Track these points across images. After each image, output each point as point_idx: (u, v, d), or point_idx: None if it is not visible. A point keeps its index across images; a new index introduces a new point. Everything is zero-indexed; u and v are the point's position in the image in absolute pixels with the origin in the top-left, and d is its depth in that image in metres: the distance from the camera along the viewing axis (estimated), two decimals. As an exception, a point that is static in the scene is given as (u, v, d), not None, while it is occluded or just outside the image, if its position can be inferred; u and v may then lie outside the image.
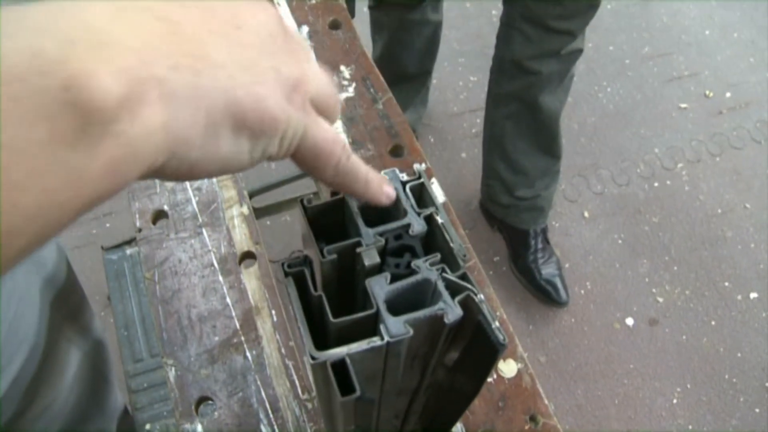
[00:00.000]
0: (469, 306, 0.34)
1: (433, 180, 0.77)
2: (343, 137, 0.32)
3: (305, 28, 0.92)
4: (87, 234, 1.88)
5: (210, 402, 0.64)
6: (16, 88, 0.20)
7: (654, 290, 1.86)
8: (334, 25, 0.92)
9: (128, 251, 1.35)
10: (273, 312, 0.69)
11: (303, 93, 0.31)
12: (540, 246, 1.81)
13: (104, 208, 1.94)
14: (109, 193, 0.24)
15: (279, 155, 0.31)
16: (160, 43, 0.25)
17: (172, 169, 0.27)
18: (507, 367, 0.67)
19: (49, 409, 0.74)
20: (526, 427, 0.63)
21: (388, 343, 0.33)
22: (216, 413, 0.64)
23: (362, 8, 1.66)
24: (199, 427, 0.63)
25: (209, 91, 0.26)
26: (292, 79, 0.30)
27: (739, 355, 1.76)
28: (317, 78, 0.32)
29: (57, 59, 0.21)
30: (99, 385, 0.90)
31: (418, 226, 0.36)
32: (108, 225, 1.91)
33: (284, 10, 0.94)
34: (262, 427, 0.63)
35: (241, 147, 0.28)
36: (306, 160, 0.32)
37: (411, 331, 0.33)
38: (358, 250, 0.35)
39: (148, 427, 1.18)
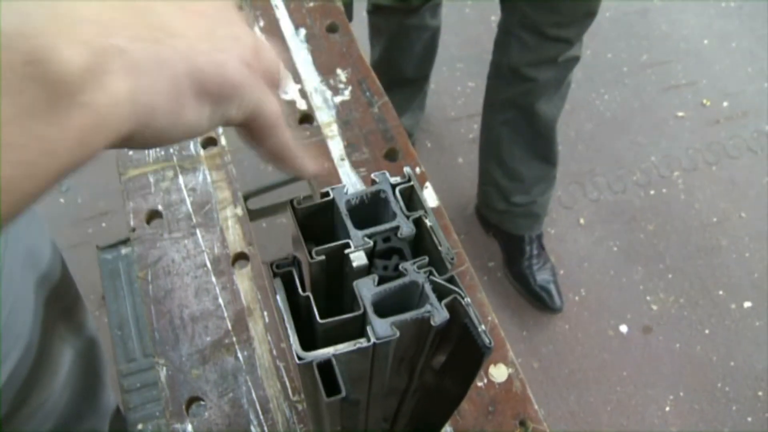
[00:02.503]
0: (455, 309, 0.35)
1: (427, 184, 0.77)
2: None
3: (302, 31, 0.92)
4: (83, 233, 1.88)
5: (201, 402, 0.64)
6: None
7: (648, 298, 1.87)
8: (332, 29, 0.93)
9: (123, 251, 1.35)
10: (265, 313, 0.69)
11: (258, 61, 0.32)
12: (535, 252, 1.81)
13: (100, 207, 1.94)
14: (79, 162, 0.25)
15: (235, 121, 0.32)
16: (118, 15, 0.25)
17: (140, 137, 0.27)
18: (498, 372, 0.67)
19: (43, 407, 0.74)
20: (516, 432, 0.64)
21: (374, 344, 0.33)
22: (206, 414, 0.64)
23: (361, 12, 1.66)
24: (190, 427, 0.63)
25: (171, 59, 0.27)
26: (249, 47, 0.31)
27: (732, 363, 1.76)
28: (267, 48, 0.34)
29: (16, 33, 0.21)
30: (92, 384, 0.90)
31: (406, 228, 0.36)
32: (103, 224, 1.91)
33: (282, 13, 0.94)
34: (252, 428, 0.63)
35: (203, 112, 0.29)
36: (253, 128, 0.33)
37: (397, 333, 0.33)
38: (347, 251, 0.35)
39: (140, 427, 1.18)
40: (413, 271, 0.35)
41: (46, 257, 0.78)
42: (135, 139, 0.27)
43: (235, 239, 0.74)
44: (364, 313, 0.34)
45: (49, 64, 0.22)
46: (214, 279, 0.71)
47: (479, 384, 0.65)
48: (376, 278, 0.35)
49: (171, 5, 0.28)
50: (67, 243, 1.80)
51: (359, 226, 0.37)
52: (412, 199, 0.39)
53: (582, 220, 2.01)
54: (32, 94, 0.22)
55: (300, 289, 0.35)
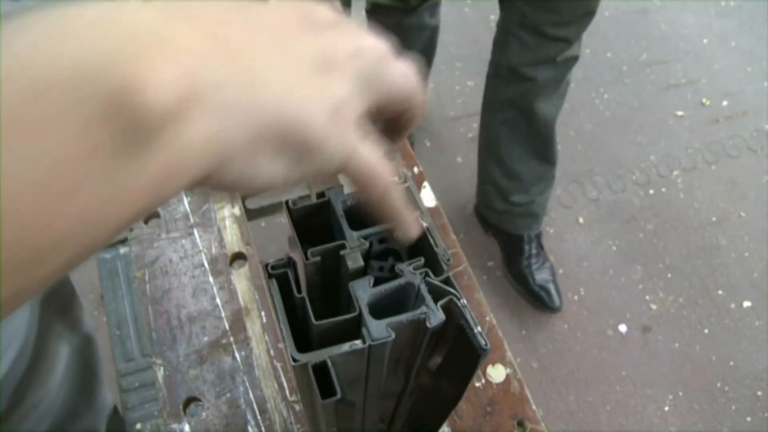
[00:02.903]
0: (451, 310, 0.34)
1: (425, 184, 0.77)
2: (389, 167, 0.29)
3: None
4: (82, 232, 1.87)
5: (198, 402, 0.64)
6: (60, 95, 0.19)
7: (647, 297, 1.87)
8: (330, 28, 0.92)
9: (122, 250, 1.34)
10: (262, 313, 0.69)
11: (352, 112, 0.28)
12: (534, 251, 1.81)
13: (99, 206, 1.93)
14: (153, 206, 0.22)
15: (317, 179, 0.29)
16: (216, 49, 0.23)
17: (216, 182, 0.25)
18: (495, 372, 0.67)
19: (39, 405, 0.74)
20: (514, 432, 0.64)
21: (369, 346, 0.33)
22: (204, 414, 0.64)
23: (360, 11, 1.66)
24: (187, 427, 0.63)
25: (262, 103, 0.24)
26: (341, 97, 0.27)
27: (731, 363, 1.76)
28: (392, 65, 0.30)
29: (112, 58, 0.19)
30: (89, 381, 0.89)
31: (402, 229, 0.36)
32: (103, 224, 1.91)
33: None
34: (250, 429, 0.63)
35: (276, 167, 0.26)
36: (354, 177, 0.30)
37: (393, 335, 0.33)
38: (342, 252, 0.35)
39: (138, 426, 1.18)
40: (409, 272, 0.35)
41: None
42: (212, 183, 0.25)
43: (232, 239, 0.73)
44: (360, 315, 0.34)
45: (135, 97, 0.20)
46: (211, 279, 0.71)
47: (477, 384, 0.65)
48: (372, 279, 0.34)
49: (270, 47, 0.25)
50: (66, 242, 1.79)
51: (355, 227, 0.36)
52: (408, 200, 0.39)
53: (581, 220, 2.00)
54: (110, 132, 0.20)
55: (295, 291, 0.35)
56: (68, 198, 0.19)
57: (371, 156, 0.29)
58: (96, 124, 0.19)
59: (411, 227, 0.33)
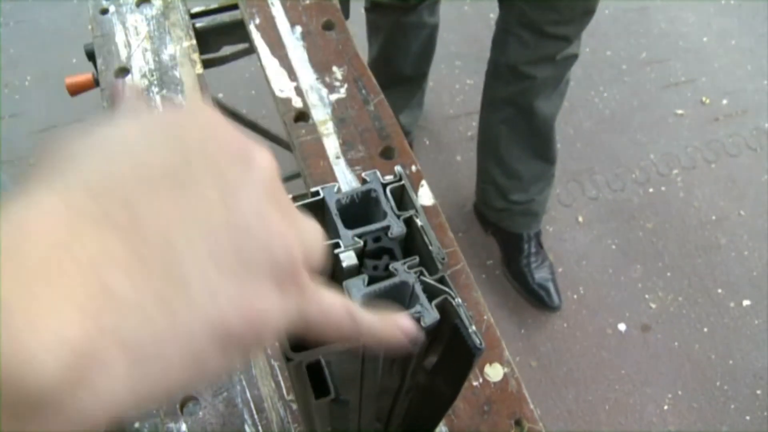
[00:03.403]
0: (446, 309, 0.34)
1: (423, 183, 0.77)
2: (344, 300, 0.27)
3: (298, 29, 0.91)
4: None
5: (195, 401, 0.64)
6: None
7: (647, 296, 1.86)
8: (328, 26, 0.92)
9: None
10: (259, 312, 0.69)
11: (299, 273, 0.25)
12: (533, 250, 1.81)
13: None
14: None
15: (272, 344, 0.27)
16: (117, 276, 0.20)
17: (148, 405, 0.22)
18: (493, 371, 0.67)
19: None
20: (511, 432, 0.63)
21: (364, 345, 0.32)
22: (201, 413, 0.63)
23: (359, 10, 1.66)
24: (184, 427, 0.63)
25: (186, 324, 0.21)
26: (284, 258, 0.24)
27: (730, 362, 1.76)
28: (308, 230, 0.27)
29: None
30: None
31: (397, 228, 0.36)
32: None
33: (278, 10, 0.94)
34: (247, 428, 0.63)
35: (230, 359, 0.23)
36: (310, 334, 0.28)
37: (387, 334, 0.32)
38: (336, 251, 0.35)
39: (137, 425, 1.18)
40: (403, 271, 0.35)
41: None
42: (145, 406, 0.22)
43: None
44: (354, 314, 0.33)
45: (18, 374, 0.17)
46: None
47: (474, 383, 0.65)
48: (366, 278, 0.34)
49: (193, 229, 0.22)
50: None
51: (349, 225, 0.36)
52: (403, 199, 0.39)
53: (580, 219, 2.00)
54: None
55: (289, 289, 0.35)
56: None
57: (320, 303, 0.27)
58: None
59: (400, 338, 0.31)
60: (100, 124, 0.25)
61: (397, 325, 0.31)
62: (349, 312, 0.29)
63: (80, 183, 0.21)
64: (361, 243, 0.36)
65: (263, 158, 0.25)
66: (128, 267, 0.20)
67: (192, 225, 0.22)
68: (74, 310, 0.18)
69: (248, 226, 0.23)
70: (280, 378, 0.65)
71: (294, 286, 0.25)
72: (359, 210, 0.37)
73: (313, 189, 0.37)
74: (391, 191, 0.38)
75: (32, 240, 0.19)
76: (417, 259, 0.35)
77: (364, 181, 0.38)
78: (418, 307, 0.33)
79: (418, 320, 0.33)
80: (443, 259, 0.35)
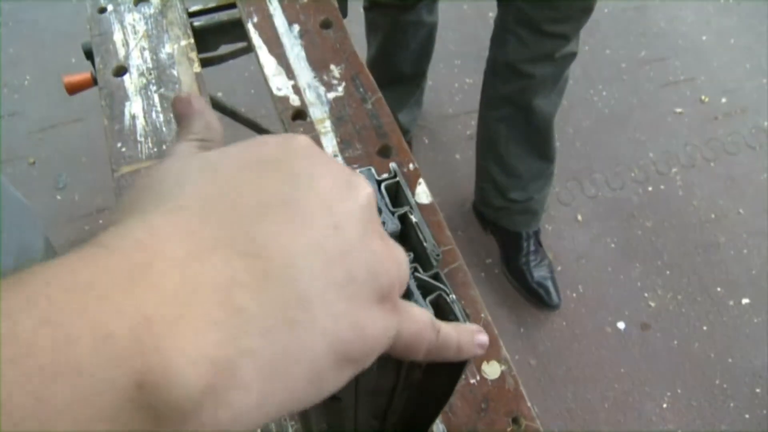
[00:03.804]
0: (440, 306, 0.34)
1: (421, 181, 0.77)
2: (429, 314, 0.30)
3: (296, 27, 0.91)
4: (79, 230, 1.88)
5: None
6: (80, 381, 0.17)
7: (646, 295, 1.86)
8: (326, 24, 0.92)
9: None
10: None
11: (396, 291, 0.27)
12: (532, 249, 1.81)
13: (97, 204, 1.94)
14: None
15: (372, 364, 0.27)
16: (247, 297, 0.21)
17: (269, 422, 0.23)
18: (490, 369, 0.67)
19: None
20: (509, 430, 0.63)
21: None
22: (198, 411, 0.63)
23: (358, 9, 1.66)
24: (181, 425, 0.63)
25: (310, 343, 0.22)
26: (387, 282, 0.25)
27: (730, 360, 1.76)
28: (403, 262, 0.28)
29: (128, 345, 0.18)
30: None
31: (391, 224, 0.36)
32: (101, 221, 1.91)
33: (275, 9, 0.94)
34: (244, 426, 0.63)
35: (343, 377, 0.24)
36: (396, 352, 0.29)
37: (381, 331, 0.32)
38: (331, 248, 0.35)
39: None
40: (398, 267, 0.35)
41: (39, 252, 0.78)
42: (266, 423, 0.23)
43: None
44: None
45: (162, 390, 0.18)
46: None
47: (472, 381, 0.65)
48: (361, 275, 0.34)
49: (311, 256, 0.23)
50: (64, 240, 1.80)
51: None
52: (398, 195, 0.39)
53: (580, 217, 2.00)
54: (132, 420, 0.18)
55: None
56: None
57: (415, 321, 0.28)
58: (119, 414, 0.18)
59: (473, 348, 0.32)
60: (192, 152, 0.27)
61: (473, 336, 0.32)
62: (434, 326, 0.30)
63: (196, 207, 0.23)
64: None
65: (364, 187, 0.27)
66: (255, 289, 0.21)
67: (309, 251, 0.23)
68: (213, 329, 0.20)
69: (358, 253, 0.24)
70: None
71: (392, 305, 0.26)
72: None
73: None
74: (386, 188, 0.38)
75: (164, 260, 0.20)
76: (411, 255, 0.35)
77: (359, 178, 0.38)
78: (412, 304, 0.33)
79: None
80: (438, 255, 0.35)
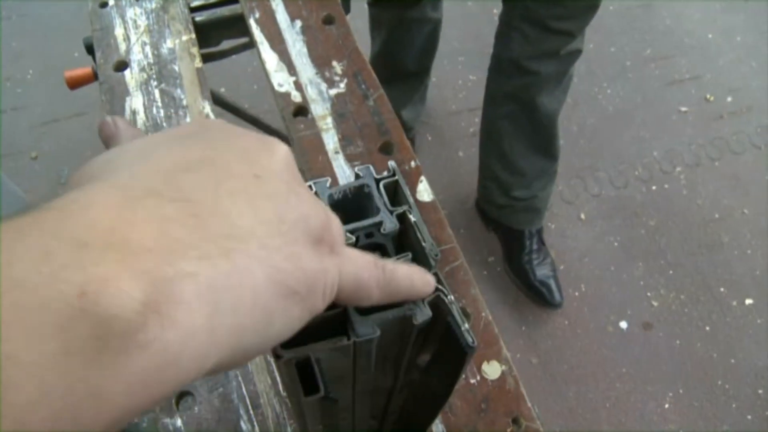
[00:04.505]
0: (439, 307, 0.34)
1: (422, 178, 0.76)
2: (372, 255, 0.32)
3: (298, 23, 0.91)
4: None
5: (190, 397, 0.64)
6: (23, 296, 0.18)
7: (649, 294, 1.86)
8: (328, 21, 0.92)
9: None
10: (256, 308, 0.68)
11: (330, 235, 0.28)
12: (535, 247, 1.80)
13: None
14: (142, 407, 0.21)
15: (323, 308, 0.28)
16: (181, 233, 0.22)
17: (227, 364, 0.24)
18: (490, 369, 0.66)
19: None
20: (509, 430, 0.63)
21: (354, 342, 0.32)
22: (196, 408, 0.63)
23: (361, 4, 1.65)
24: (179, 422, 0.62)
25: (247, 269, 0.23)
26: (319, 224, 0.27)
27: (732, 361, 1.75)
28: (334, 218, 0.30)
29: (69, 263, 0.19)
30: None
31: (389, 224, 0.36)
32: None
33: (278, 5, 0.93)
34: (242, 423, 0.62)
35: (293, 313, 0.26)
36: (348, 297, 0.30)
37: (378, 332, 0.32)
38: (328, 247, 0.35)
39: (135, 419, 1.18)
40: (396, 267, 0.34)
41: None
42: (223, 367, 0.24)
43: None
44: (345, 311, 0.33)
45: (102, 299, 0.19)
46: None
47: (472, 381, 0.65)
48: (358, 275, 0.34)
49: (238, 195, 0.25)
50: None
51: (343, 221, 0.36)
52: (397, 194, 0.38)
53: (583, 215, 1.99)
54: (81, 332, 0.19)
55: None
56: (39, 403, 0.18)
57: (356, 261, 0.30)
58: (64, 326, 0.18)
59: (427, 288, 0.34)
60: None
61: (424, 273, 0.34)
62: (378, 264, 0.31)
63: (125, 174, 0.24)
64: (354, 239, 0.35)
65: (282, 147, 0.29)
66: (188, 225, 0.23)
67: (234, 194, 0.25)
68: (150, 254, 0.21)
69: (285, 197, 0.26)
70: (276, 374, 0.65)
71: (330, 249, 0.28)
72: (352, 205, 0.37)
73: (306, 183, 0.36)
74: (385, 186, 0.37)
75: (98, 205, 0.21)
76: (410, 255, 0.35)
77: (357, 176, 0.37)
78: (410, 305, 0.33)
79: (410, 318, 0.33)
80: (436, 255, 0.35)
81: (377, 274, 0.31)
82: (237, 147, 0.27)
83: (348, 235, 0.35)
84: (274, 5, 0.93)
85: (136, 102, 0.83)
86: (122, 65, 0.87)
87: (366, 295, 0.31)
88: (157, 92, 0.84)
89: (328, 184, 0.36)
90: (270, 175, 0.27)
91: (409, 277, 0.32)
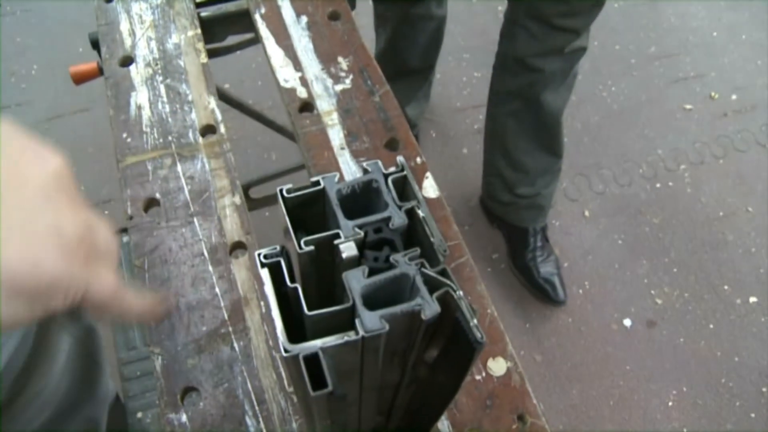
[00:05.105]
0: (447, 302, 0.34)
1: (428, 175, 0.76)
2: (118, 282, 0.36)
3: (304, 18, 0.91)
4: (86, 220, 1.87)
5: (195, 392, 0.64)
6: None
7: (653, 292, 1.85)
8: (334, 16, 0.91)
9: (125, 239, 1.34)
10: (262, 303, 0.68)
11: (86, 247, 0.31)
12: (539, 244, 1.80)
13: (103, 195, 1.93)
14: None
15: (63, 308, 0.31)
16: None
17: None
18: (496, 365, 0.66)
19: (41, 394, 0.74)
20: (514, 427, 0.63)
21: (363, 337, 0.32)
22: (201, 404, 0.63)
23: (367, 1, 1.65)
24: (184, 417, 0.62)
25: None
26: (75, 235, 0.30)
27: (736, 359, 1.75)
28: (99, 225, 0.33)
29: None
30: (90, 371, 0.89)
31: (398, 219, 0.36)
32: (106, 212, 1.91)
33: (283, 0, 0.93)
34: (247, 419, 0.63)
35: (18, 309, 0.28)
36: (89, 306, 0.33)
37: (387, 327, 0.32)
38: (336, 242, 0.35)
39: (139, 415, 1.18)
40: (404, 263, 0.34)
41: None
42: None
43: (232, 228, 0.73)
44: (354, 306, 0.33)
45: None
46: (211, 268, 0.70)
47: (477, 377, 0.65)
48: (366, 270, 0.34)
49: None
50: (70, 230, 1.79)
51: (351, 216, 0.36)
52: (405, 190, 0.38)
53: (587, 213, 1.99)
54: None
55: (288, 280, 0.34)
56: None
57: (104, 283, 0.33)
58: None
59: (153, 314, 0.40)
60: None
61: (153, 308, 0.39)
62: (119, 293, 0.35)
63: None
64: (362, 234, 0.35)
65: (55, 159, 0.31)
66: None
67: None
68: None
69: (40, 207, 0.28)
70: (281, 370, 0.65)
71: (82, 261, 0.30)
72: (360, 200, 0.37)
73: (313, 179, 0.36)
74: (393, 182, 0.37)
75: None
76: (418, 250, 0.35)
77: (365, 171, 0.37)
78: (418, 300, 0.33)
79: (419, 313, 0.33)
80: (445, 251, 0.35)
81: (119, 304, 0.35)
82: (8, 155, 0.29)
83: (356, 230, 0.35)
84: (279, 1, 0.93)
85: (141, 97, 0.83)
86: (128, 60, 0.87)
87: (104, 312, 0.34)
88: (162, 87, 0.84)
89: (336, 179, 0.36)
90: (32, 186, 0.29)
91: (138, 311, 0.37)
